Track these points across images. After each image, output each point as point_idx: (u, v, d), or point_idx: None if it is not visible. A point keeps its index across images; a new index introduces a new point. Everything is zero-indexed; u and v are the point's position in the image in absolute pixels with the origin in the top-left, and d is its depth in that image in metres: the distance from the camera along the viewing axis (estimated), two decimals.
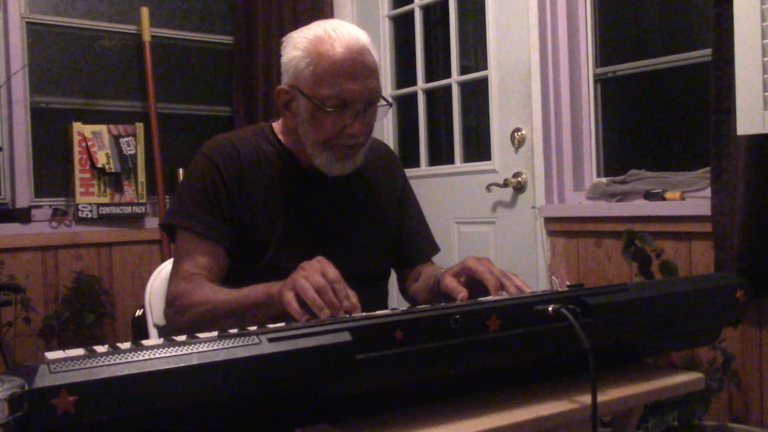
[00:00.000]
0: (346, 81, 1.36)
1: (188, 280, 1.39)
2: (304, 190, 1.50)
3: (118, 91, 3.41)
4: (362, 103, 1.39)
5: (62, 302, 3.09)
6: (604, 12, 2.71)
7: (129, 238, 3.31)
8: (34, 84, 3.20)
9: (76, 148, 3.20)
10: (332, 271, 1.15)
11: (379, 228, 1.58)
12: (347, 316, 1.08)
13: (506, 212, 2.85)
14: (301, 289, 1.12)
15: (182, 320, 1.35)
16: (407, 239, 1.65)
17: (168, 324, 1.45)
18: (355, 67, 1.37)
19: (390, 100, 1.52)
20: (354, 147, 1.44)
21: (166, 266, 1.70)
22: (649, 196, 2.39)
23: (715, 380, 2.03)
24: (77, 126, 3.21)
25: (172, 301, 1.41)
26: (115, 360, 0.73)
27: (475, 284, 1.31)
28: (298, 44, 1.40)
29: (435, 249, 1.70)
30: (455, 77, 3.09)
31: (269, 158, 1.50)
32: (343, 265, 1.18)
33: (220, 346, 0.78)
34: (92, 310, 3.09)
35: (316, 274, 1.13)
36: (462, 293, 1.28)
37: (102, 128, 3.26)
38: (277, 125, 1.56)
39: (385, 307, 1.53)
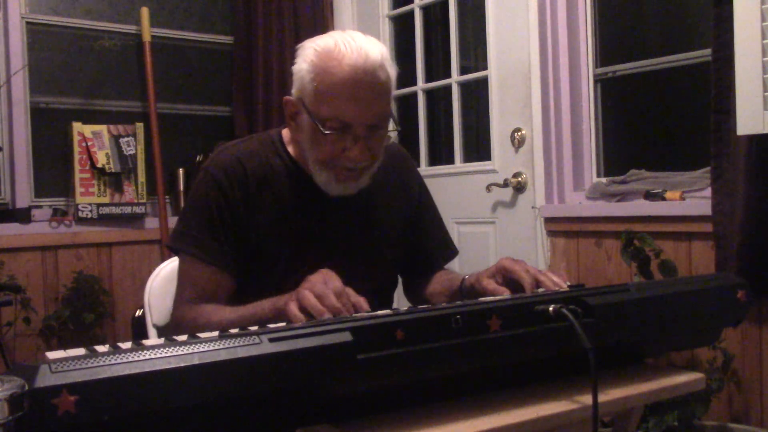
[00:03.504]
0: (347, 104, 1.29)
1: (190, 306, 1.38)
2: (314, 205, 1.45)
3: (118, 91, 3.41)
4: (363, 128, 1.32)
5: (62, 302, 3.09)
6: (604, 12, 2.71)
7: (129, 238, 3.31)
8: (34, 84, 3.19)
9: (76, 148, 3.19)
10: (336, 282, 1.14)
11: (390, 243, 1.54)
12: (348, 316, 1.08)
13: (506, 212, 2.85)
14: (302, 297, 1.13)
15: None
16: (422, 249, 1.61)
17: None
18: (359, 89, 1.29)
19: (397, 125, 1.43)
20: (355, 170, 1.37)
21: (166, 266, 1.70)
22: (649, 196, 2.39)
23: (715, 380, 2.03)
24: (77, 126, 3.20)
25: (177, 326, 1.39)
26: (116, 360, 0.73)
27: (511, 285, 1.30)
28: (307, 56, 1.33)
29: (451, 254, 1.66)
30: (455, 77, 3.09)
31: (277, 173, 1.44)
32: (354, 280, 1.17)
33: (221, 346, 0.78)
34: (92, 310, 3.09)
35: (318, 283, 1.14)
36: (505, 293, 1.26)
37: (102, 128, 3.26)
38: (286, 133, 1.50)
39: None
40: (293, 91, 1.38)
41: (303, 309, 1.13)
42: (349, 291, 1.15)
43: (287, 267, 1.41)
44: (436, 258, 1.63)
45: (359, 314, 1.08)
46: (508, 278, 1.32)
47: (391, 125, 1.43)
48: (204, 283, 1.39)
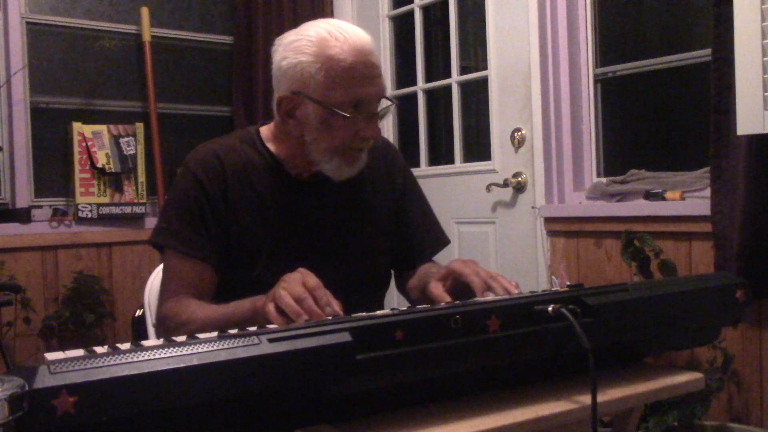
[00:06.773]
0: (361, 84, 1.33)
1: (175, 300, 1.38)
2: (293, 200, 1.46)
3: (118, 91, 3.41)
4: (376, 104, 1.36)
5: (62, 302, 3.09)
6: (604, 12, 2.71)
7: (129, 238, 3.31)
8: (34, 84, 3.19)
9: (76, 148, 3.20)
10: (312, 280, 1.13)
11: (373, 234, 1.54)
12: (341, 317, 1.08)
13: (506, 212, 2.85)
14: (279, 299, 1.11)
15: None
16: (408, 241, 1.60)
17: None
18: (368, 68, 1.33)
19: (392, 98, 1.48)
20: (363, 150, 1.41)
21: None
22: (649, 196, 2.39)
23: (715, 380, 2.03)
24: (77, 126, 3.20)
25: (161, 322, 1.39)
26: (115, 361, 0.73)
27: (462, 287, 1.29)
28: (303, 48, 1.33)
29: (440, 244, 1.65)
30: (455, 77, 3.09)
31: (256, 168, 1.45)
32: (336, 274, 1.17)
33: (221, 347, 0.78)
34: (92, 310, 3.09)
35: (294, 283, 1.13)
36: (446, 300, 1.26)
37: (102, 128, 3.26)
38: (265, 130, 1.51)
39: None
40: (285, 86, 1.37)
41: (279, 309, 1.12)
42: (326, 291, 1.13)
43: (269, 260, 1.41)
44: (422, 249, 1.62)
45: (359, 314, 1.08)
46: (458, 282, 1.31)
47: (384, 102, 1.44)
48: (187, 276, 1.40)
